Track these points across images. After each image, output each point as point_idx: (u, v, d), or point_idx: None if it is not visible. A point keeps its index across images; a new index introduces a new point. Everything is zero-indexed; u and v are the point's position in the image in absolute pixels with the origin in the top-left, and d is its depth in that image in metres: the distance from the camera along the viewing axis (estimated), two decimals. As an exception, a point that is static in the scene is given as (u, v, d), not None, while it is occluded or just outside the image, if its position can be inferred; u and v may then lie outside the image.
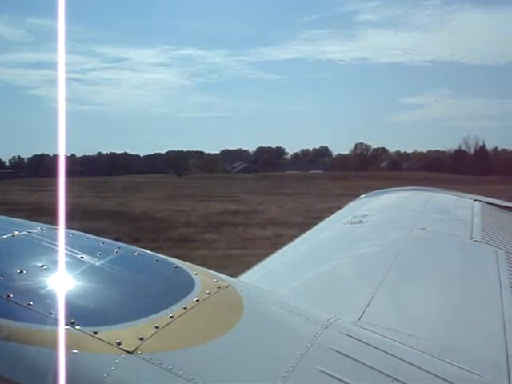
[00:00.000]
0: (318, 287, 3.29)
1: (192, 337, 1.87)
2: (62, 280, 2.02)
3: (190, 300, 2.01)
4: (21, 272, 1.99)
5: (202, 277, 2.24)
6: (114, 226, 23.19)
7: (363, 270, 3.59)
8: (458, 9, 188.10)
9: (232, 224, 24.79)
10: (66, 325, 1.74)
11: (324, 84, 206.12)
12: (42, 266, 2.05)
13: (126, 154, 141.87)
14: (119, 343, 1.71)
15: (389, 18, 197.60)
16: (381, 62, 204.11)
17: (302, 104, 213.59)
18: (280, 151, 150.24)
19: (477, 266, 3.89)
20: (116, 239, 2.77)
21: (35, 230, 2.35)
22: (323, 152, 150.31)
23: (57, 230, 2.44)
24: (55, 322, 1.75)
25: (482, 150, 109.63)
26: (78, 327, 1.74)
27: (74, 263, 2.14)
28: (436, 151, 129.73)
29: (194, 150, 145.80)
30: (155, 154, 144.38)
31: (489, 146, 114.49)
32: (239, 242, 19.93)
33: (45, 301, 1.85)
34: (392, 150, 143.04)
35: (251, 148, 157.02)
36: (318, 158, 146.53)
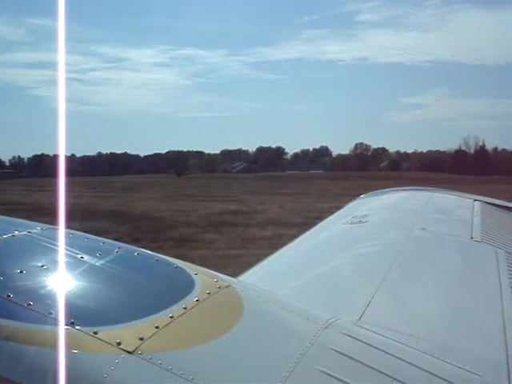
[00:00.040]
0: (318, 287, 3.29)
1: (192, 337, 1.87)
2: (62, 280, 2.02)
3: (190, 300, 2.01)
4: (21, 272, 1.99)
5: (202, 277, 2.24)
6: (114, 226, 23.19)
7: (363, 270, 3.59)
8: (458, 9, 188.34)
9: (232, 224, 24.79)
10: (66, 325, 1.74)
11: (324, 84, 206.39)
12: (42, 266, 2.05)
13: (125, 154, 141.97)
14: (119, 343, 1.71)
15: (389, 17, 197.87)
16: (381, 61, 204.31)
17: (302, 104, 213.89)
18: (280, 151, 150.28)
19: (477, 266, 3.89)
20: (116, 239, 2.77)
21: (35, 230, 2.36)
22: (323, 152, 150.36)
23: (57, 230, 2.44)
24: (55, 322, 1.75)
25: (481, 150, 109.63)
26: (78, 327, 1.74)
27: (74, 263, 2.14)
28: (436, 151, 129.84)
29: (194, 150, 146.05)
30: (155, 154, 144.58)
31: (489, 146, 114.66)
32: (239, 242, 19.93)
33: (45, 301, 1.85)
34: (392, 150, 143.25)
35: (251, 148, 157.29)
36: (318, 158, 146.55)
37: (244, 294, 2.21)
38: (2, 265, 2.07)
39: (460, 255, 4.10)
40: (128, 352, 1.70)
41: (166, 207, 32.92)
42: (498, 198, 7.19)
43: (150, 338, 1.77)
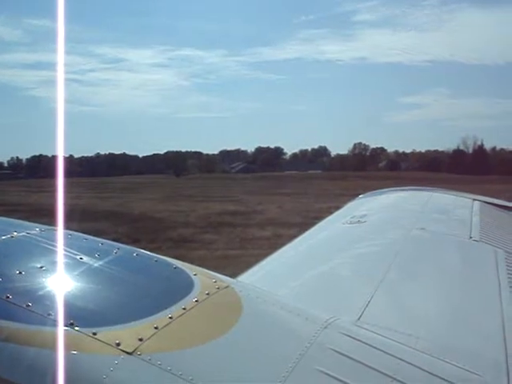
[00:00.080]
0: (317, 287, 3.29)
1: (191, 337, 1.87)
2: (61, 281, 2.01)
3: (189, 300, 2.01)
4: (20, 273, 1.98)
5: (201, 277, 2.24)
6: (113, 227, 23.19)
7: (362, 269, 3.59)
8: (456, 8, 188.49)
9: (231, 224, 24.79)
10: (65, 326, 1.74)
11: (322, 84, 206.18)
12: (41, 267, 2.05)
13: (124, 154, 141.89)
14: (118, 344, 1.71)
15: (387, 17, 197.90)
16: (379, 61, 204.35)
17: (301, 104, 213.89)
18: (279, 151, 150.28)
19: (476, 265, 3.89)
20: (115, 240, 2.77)
21: (34, 231, 2.35)
22: (322, 152, 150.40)
23: (56, 230, 2.43)
24: (54, 323, 1.74)
25: (480, 150, 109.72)
26: (77, 328, 1.74)
27: (73, 264, 2.14)
28: (435, 151, 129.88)
29: (193, 150, 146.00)
30: (154, 154, 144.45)
31: (487, 146, 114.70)
32: (238, 243, 19.93)
33: (44, 302, 1.84)
34: (390, 149, 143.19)
35: (250, 148, 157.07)
36: (316, 158, 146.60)
37: (243, 295, 2.21)
38: (0, 266, 2.06)
39: (459, 255, 4.11)
40: (127, 353, 1.69)
41: (164, 208, 32.91)
42: (496, 198, 7.19)
43: (149, 338, 1.76)
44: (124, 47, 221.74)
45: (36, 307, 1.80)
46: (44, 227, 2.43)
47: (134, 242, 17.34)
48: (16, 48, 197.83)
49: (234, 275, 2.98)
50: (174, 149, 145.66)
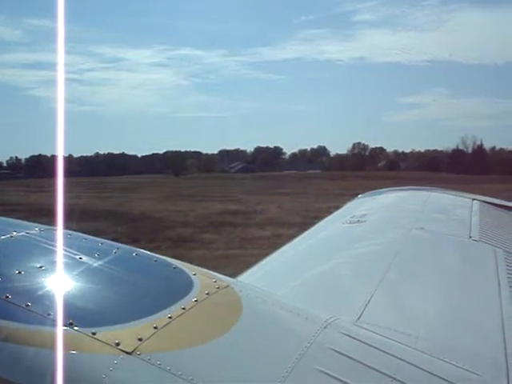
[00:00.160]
0: (317, 287, 3.29)
1: (191, 337, 1.87)
2: (60, 281, 2.01)
3: (188, 300, 2.01)
4: (19, 273, 1.98)
5: (201, 277, 2.24)
6: (112, 227, 23.18)
7: (362, 269, 3.59)
8: (456, 8, 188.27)
9: (230, 224, 24.79)
10: (65, 326, 1.74)
11: (322, 84, 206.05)
12: (41, 267, 2.05)
13: (123, 154, 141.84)
14: (118, 344, 1.71)
15: (386, 17, 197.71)
16: (379, 61, 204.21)
17: (300, 104, 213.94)
18: (278, 151, 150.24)
19: (475, 265, 3.89)
20: (114, 240, 2.77)
21: (33, 231, 2.35)
22: (321, 152, 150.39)
23: (55, 230, 2.43)
24: (54, 323, 1.74)
25: (479, 150, 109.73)
26: (76, 328, 1.74)
27: (72, 264, 2.13)
28: (434, 151, 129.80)
29: (192, 150, 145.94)
30: (153, 154, 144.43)
31: (486, 146, 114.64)
32: (238, 242, 19.93)
33: (43, 302, 1.84)
34: (390, 149, 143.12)
35: (249, 148, 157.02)
36: (315, 157, 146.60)
37: (243, 294, 2.21)
38: (0, 266, 2.06)
39: (458, 255, 4.11)
40: (127, 353, 1.69)
41: (163, 207, 32.91)
42: (496, 198, 7.19)
43: (148, 338, 1.76)
44: (123, 47, 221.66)
45: (35, 307, 1.80)
46: (43, 227, 2.43)
47: (134, 241, 17.34)
48: (16, 48, 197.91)
49: (233, 275, 2.98)
50: (173, 148, 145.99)
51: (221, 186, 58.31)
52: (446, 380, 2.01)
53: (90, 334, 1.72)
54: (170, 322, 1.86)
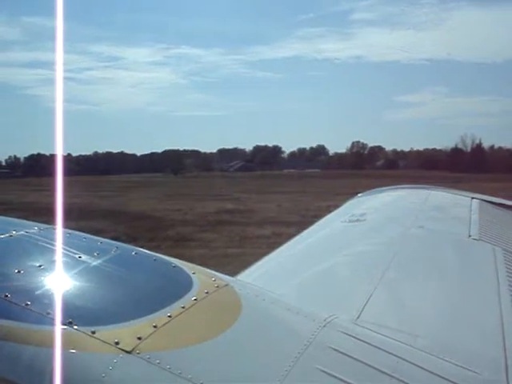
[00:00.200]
0: (317, 286, 3.29)
1: (190, 336, 1.87)
2: (59, 280, 2.01)
3: (188, 299, 2.01)
4: (18, 272, 1.98)
5: (200, 276, 2.24)
6: (111, 226, 23.19)
7: (361, 268, 3.59)
8: (455, 7, 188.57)
9: (229, 223, 24.80)
10: (64, 324, 1.74)
11: (320, 82, 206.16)
12: (40, 266, 2.04)
13: (122, 153, 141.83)
14: (117, 343, 1.70)
15: (385, 16, 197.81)
16: (377, 60, 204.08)
17: (299, 102, 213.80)
18: (277, 150, 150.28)
19: (475, 264, 3.90)
20: (113, 239, 2.76)
21: (33, 230, 2.35)
22: (320, 151, 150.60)
23: (54, 229, 2.43)
24: (53, 322, 1.74)
25: (478, 148, 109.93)
26: (75, 327, 1.74)
27: (71, 263, 2.13)
28: (433, 149, 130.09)
29: (191, 148, 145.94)
30: (152, 153, 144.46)
31: (485, 144, 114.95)
32: (237, 241, 19.94)
33: (43, 301, 1.84)
34: (389, 148, 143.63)
35: (248, 147, 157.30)
36: (314, 156, 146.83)
37: (242, 293, 2.21)
38: None
39: (458, 253, 4.11)
40: (126, 351, 1.69)
41: (162, 206, 32.92)
42: (495, 196, 7.19)
43: (148, 337, 1.76)
44: (121, 45, 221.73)
45: (35, 306, 1.79)
46: (42, 226, 2.43)
47: (133, 240, 17.35)
48: (14, 46, 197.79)
49: (233, 274, 2.98)
50: (172, 147, 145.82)
51: (220, 184, 58.30)
52: (445, 378, 2.01)
53: (90, 333, 1.72)
54: (169, 321, 1.86)
